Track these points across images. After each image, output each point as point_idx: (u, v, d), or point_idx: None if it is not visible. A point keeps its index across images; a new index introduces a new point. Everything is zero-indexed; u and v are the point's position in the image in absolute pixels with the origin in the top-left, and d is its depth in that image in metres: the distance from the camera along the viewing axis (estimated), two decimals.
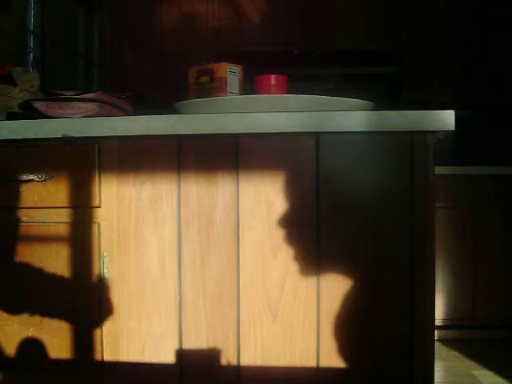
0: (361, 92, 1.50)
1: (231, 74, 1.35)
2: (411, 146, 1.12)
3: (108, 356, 1.19)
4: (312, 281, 1.14)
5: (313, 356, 1.14)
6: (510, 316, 2.67)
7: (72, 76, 3.13)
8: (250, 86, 1.41)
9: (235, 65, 1.37)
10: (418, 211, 1.12)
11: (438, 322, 2.68)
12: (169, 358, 1.18)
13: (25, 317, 1.21)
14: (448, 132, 1.11)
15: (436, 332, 2.63)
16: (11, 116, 1.32)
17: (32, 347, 1.21)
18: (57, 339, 1.20)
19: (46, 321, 1.20)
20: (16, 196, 1.20)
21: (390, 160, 1.13)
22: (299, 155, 1.14)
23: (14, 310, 1.21)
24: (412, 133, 1.11)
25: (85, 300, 1.19)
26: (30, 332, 1.21)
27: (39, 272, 1.20)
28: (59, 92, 1.30)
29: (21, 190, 1.20)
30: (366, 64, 3.11)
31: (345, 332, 1.13)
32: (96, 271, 1.19)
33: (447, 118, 1.08)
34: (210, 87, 1.35)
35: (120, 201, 1.18)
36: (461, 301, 2.70)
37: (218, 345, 1.16)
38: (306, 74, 3.13)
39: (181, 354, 1.18)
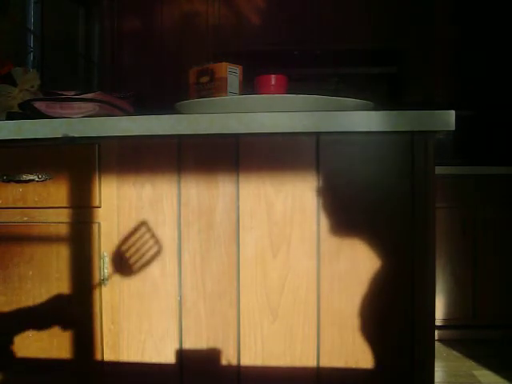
0: (361, 92, 1.50)
1: (231, 73, 1.35)
2: (411, 146, 1.12)
3: (108, 356, 1.19)
4: (312, 280, 1.14)
5: (313, 356, 1.14)
6: (510, 316, 2.67)
7: (72, 76, 3.13)
8: (250, 86, 1.41)
9: (235, 65, 1.37)
10: (418, 211, 1.12)
11: (438, 322, 2.68)
12: (169, 358, 1.18)
13: (25, 317, 1.21)
14: (448, 132, 1.11)
15: (436, 332, 2.63)
16: (11, 116, 1.32)
17: (32, 347, 1.21)
18: (57, 339, 1.20)
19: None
20: (16, 196, 1.20)
21: (390, 160, 1.13)
22: (299, 155, 1.14)
23: (14, 309, 1.21)
24: (412, 133, 1.11)
25: (85, 300, 1.19)
26: (30, 332, 1.21)
27: (39, 272, 1.20)
28: (59, 92, 1.30)
29: (21, 190, 1.20)
30: (365, 64, 3.11)
31: (345, 332, 1.13)
32: (96, 271, 1.19)
33: (447, 118, 1.08)
34: (210, 87, 1.35)
35: (120, 201, 1.18)
36: (461, 301, 2.70)
37: (219, 345, 1.16)
38: (306, 73, 3.13)
39: (181, 354, 1.18)
